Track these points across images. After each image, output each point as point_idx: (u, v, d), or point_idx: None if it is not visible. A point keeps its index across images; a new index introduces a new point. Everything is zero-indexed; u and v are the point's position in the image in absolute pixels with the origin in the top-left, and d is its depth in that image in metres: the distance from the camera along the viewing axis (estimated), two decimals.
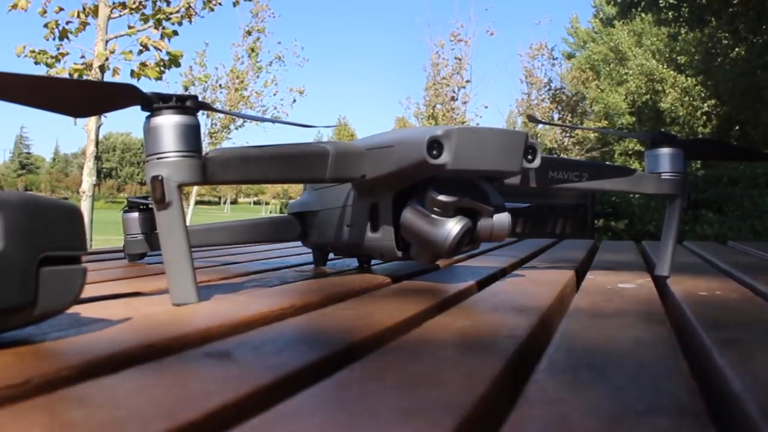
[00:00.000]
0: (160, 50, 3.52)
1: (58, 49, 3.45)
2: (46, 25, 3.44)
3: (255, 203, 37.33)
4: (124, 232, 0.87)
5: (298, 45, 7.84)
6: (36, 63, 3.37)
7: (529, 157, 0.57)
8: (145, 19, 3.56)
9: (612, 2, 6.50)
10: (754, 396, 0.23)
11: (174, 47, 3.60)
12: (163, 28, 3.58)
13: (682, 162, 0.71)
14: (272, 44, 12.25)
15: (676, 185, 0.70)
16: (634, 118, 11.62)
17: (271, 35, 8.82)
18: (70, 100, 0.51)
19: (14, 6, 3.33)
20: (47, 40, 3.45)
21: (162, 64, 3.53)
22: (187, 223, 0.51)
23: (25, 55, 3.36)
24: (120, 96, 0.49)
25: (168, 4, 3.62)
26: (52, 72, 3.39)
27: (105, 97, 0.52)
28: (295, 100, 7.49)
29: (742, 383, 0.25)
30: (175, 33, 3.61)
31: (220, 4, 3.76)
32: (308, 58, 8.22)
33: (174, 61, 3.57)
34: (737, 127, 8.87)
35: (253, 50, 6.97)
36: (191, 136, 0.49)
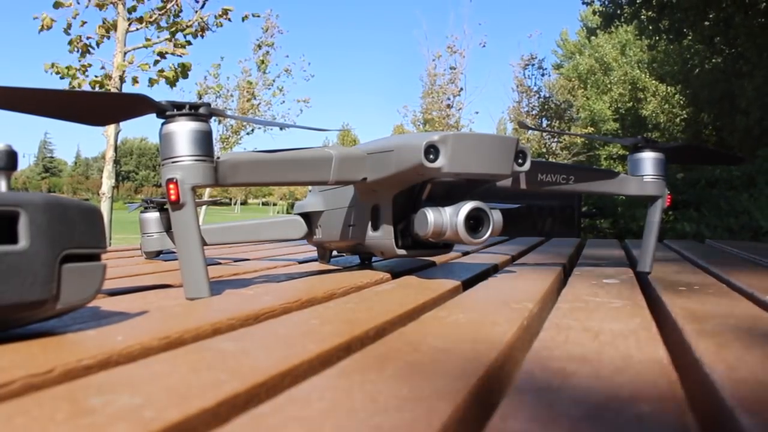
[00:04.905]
0: (180, 56, 3.51)
1: (80, 61, 3.45)
2: (70, 42, 3.44)
3: (263, 204, 37.30)
4: (141, 231, 0.87)
5: (305, 60, 7.85)
6: (62, 78, 3.38)
7: (520, 161, 0.57)
8: (161, 30, 3.55)
9: (596, 13, 6.49)
10: (730, 384, 0.23)
11: (188, 59, 3.60)
12: (176, 40, 3.58)
13: (663, 166, 0.71)
14: (281, 58, 12.29)
15: (658, 187, 0.70)
16: (617, 125, 11.61)
17: (280, 49, 8.82)
18: (90, 111, 0.51)
19: (42, 27, 3.34)
20: (71, 53, 3.46)
21: (176, 72, 3.53)
22: (200, 223, 0.51)
23: (53, 72, 3.37)
24: (135, 105, 0.49)
25: (179, 17, 3.62)
26: (75, 84, 3.39)
27: (121, 106, 0.52)
28: (302, 110, 7.47)
29: (718, 373, 0.25)
30: (189, 43, 3.60)
31: (229, 19, 3.75)
32: (314, 73, 8.25)
33: (184, 71, 3.56)
34: (714, 133, 8.87)
35: (263, 62, 6.96)
36: (204, 141, 0.49)
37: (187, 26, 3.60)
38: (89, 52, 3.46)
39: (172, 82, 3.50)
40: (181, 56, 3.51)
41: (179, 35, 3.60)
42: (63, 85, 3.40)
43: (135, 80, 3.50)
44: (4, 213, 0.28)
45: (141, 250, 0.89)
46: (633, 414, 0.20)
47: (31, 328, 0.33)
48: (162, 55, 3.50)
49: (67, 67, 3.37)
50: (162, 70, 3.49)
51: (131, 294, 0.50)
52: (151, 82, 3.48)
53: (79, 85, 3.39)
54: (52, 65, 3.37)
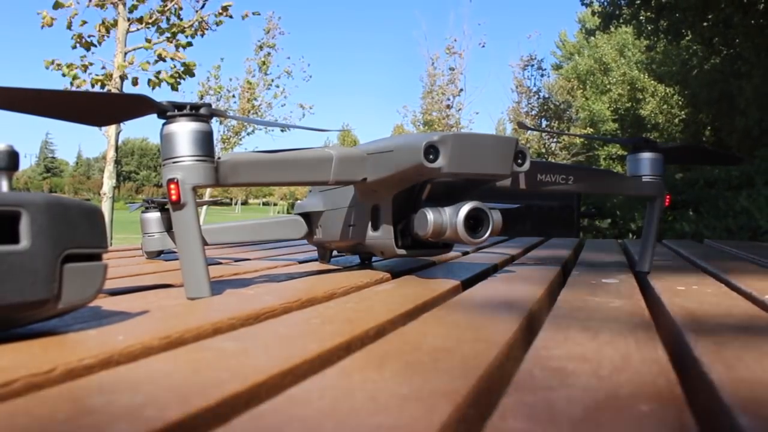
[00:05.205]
0: (178, 60, 3.51)
1: (82, 59, 3.45)
2: (72, 37, 3.45)
3: (264, 204, 37.30)
4: (142, 231, 0.87)
5: (304, 61, 7.88)
6: (64, 75, 3.38)
7: (519, 161, 0.57)
8: (161, 32, 3.56)
9: (595, 14, 6.48)
10: (728, 384, 0.23)
11: (189, 59, 3.59)
12: (177, 41, 3.58)
13: (661, 166, 0.71)
14: (282, 59, 12.33)
15: (656, 187, 0.70)
16: (616, 125, 11.61)
17: (281, 50, 8.82)
18: (90, 112, 0.51)
19: (44, 24, 3.34)
20: (74, 48, 3.46)
21: (177, 74, 3.53)
22: (201, 223, 0.51)
23: (53, 68, 3.37)
24: (136, 106, 0.49)
25: (180, 18, 3.62)
26: (77, 82, 3.39)
27: (123, 107, 0.52)
28: (304, 115, 7.42)
29: (717, 372, 0.25)
30: (189, 44, 3.60)
31: (230, 16, 3.74)
32: (313, 74, 8.33)
33: (188, 71, 3.56)
34: (713, 134, 8.86)
35: (264, 63, 6.95)
36: (204, 141, 0.49)
37: (188, 27, 3.60)
38: (93, 45, 3.46)
39: (173, 85, 3.49)
40: (178, 59, 3.51)
41: (180, 36, 3.60)
42: (64, 82, 3.40)
43: (135, 81, 3.50)
44: (5, 213, 0.28)
45: (142, 250, 0.89)
46: (632, 413, 0.20)
47: (33, 328, 0.33)
48: (161, 57, 3.50)
49: (68, 65, 3.37)
50: (159, 73, 3.48)
51: (132, 294, 0.50)
52: (152, 84, 3.48)
53: (81, 85, 3.39)
54: (53, 62, 3.37)
